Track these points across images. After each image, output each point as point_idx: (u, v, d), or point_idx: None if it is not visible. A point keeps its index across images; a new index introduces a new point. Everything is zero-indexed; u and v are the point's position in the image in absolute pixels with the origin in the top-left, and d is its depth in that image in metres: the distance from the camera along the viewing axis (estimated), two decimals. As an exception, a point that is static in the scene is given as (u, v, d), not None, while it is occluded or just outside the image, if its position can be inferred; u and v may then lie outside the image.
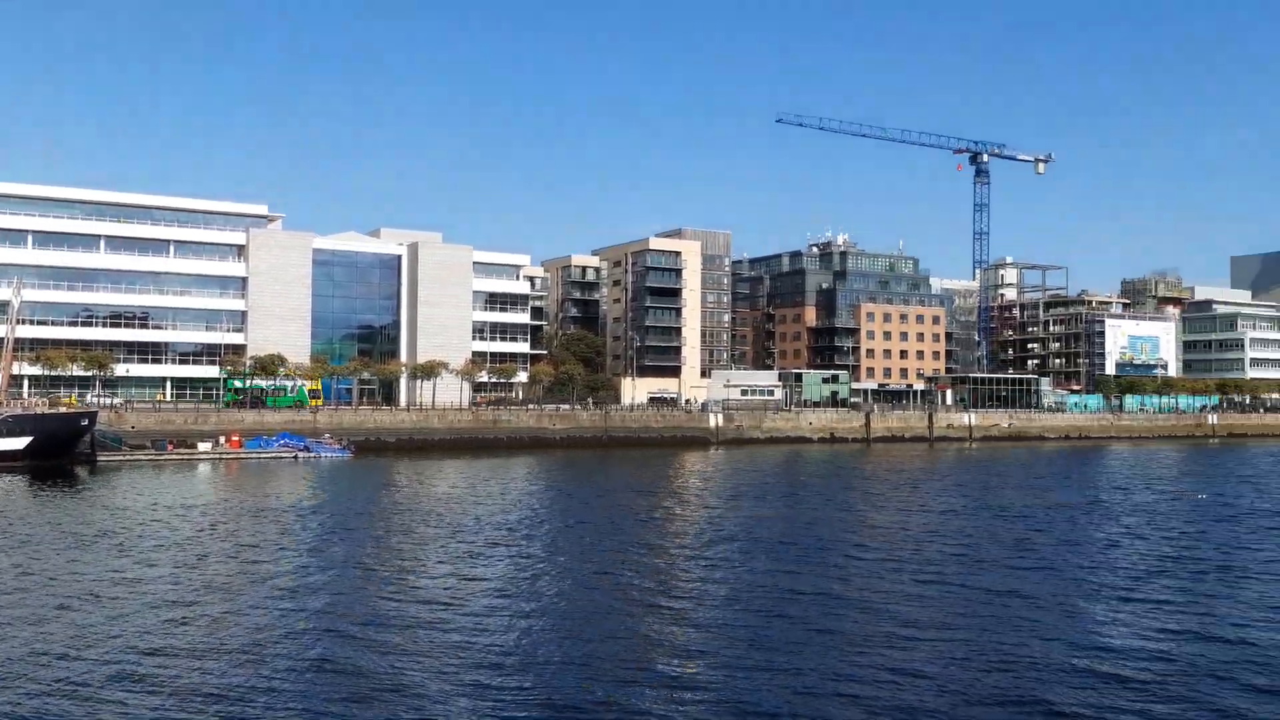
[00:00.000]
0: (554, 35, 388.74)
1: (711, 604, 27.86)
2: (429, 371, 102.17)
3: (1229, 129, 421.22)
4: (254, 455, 79.99)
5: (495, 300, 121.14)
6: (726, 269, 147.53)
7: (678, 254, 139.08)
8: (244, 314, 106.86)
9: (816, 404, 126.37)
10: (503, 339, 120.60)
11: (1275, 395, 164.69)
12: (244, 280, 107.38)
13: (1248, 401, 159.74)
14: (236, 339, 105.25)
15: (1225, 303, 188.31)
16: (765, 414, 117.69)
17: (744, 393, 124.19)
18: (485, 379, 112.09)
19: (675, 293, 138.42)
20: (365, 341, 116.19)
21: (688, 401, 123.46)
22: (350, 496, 54.97)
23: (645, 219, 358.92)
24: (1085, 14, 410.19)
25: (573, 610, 26.75)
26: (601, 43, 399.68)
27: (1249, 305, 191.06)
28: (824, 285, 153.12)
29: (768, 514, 48.46)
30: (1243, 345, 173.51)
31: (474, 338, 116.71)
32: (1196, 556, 36.49)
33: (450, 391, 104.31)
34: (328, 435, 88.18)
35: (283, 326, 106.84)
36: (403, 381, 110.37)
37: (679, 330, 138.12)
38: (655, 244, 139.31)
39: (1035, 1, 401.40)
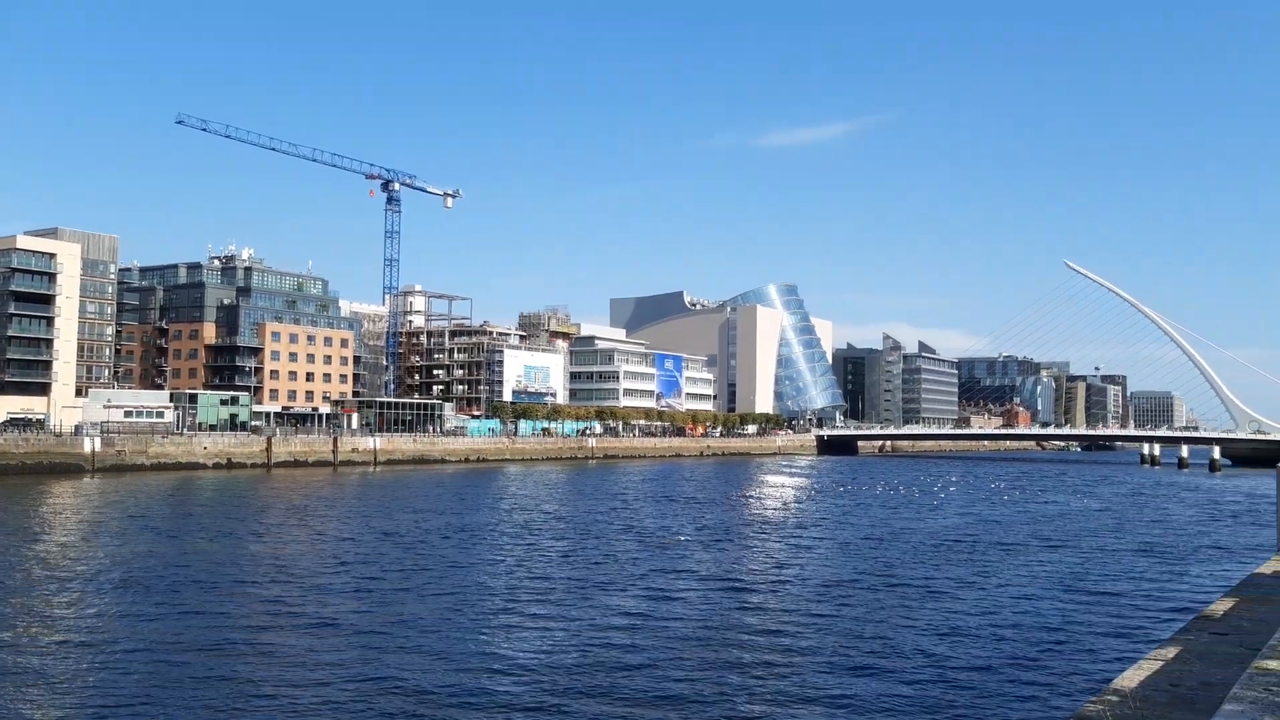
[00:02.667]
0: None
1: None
2: None
3: (624, 183, 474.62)
4: None
5: None
6: (112, 277, 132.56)
7: (51, 256, 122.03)
8: None
9: (213, 427, 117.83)
10: None
11: (642, 421, 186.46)
12: None
13: (620, 426, 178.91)
14: None
15: (605, 338, 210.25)
16: (153, 438, 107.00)
17: (129, 414, 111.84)
18: None
19: (47, 299, 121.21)
20: None
21: (59, 424, 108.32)
22: None
23: (15, 216, 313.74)
24: (500, 61, 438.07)
25: None
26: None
27: (624, 342, 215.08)
28: (226, 301, 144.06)
29: (140, 550, 42.92)
30: (618, 377, 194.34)
31: None
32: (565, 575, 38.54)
33: None
34: None
35: None
36: None
37: (50, 342, 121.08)
38: (23, 243, 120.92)
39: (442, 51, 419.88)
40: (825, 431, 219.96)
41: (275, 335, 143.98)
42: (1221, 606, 14.52)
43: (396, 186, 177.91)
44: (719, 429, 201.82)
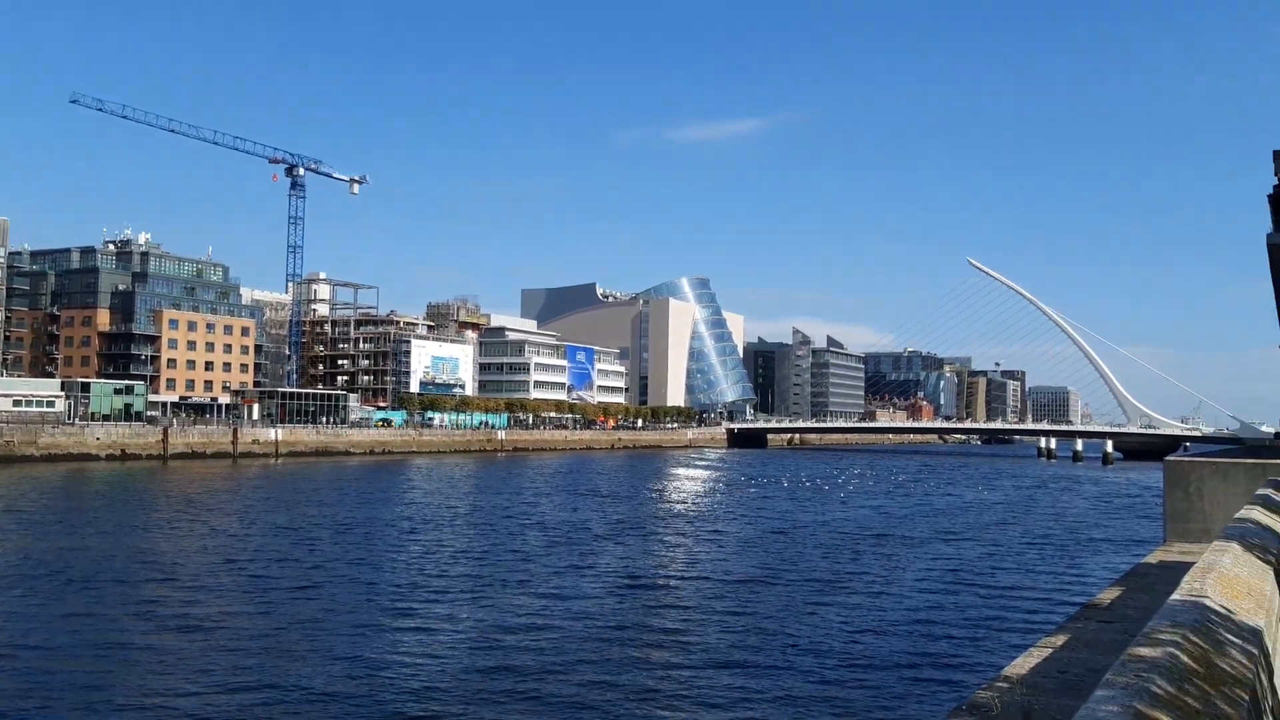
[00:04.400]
0: None
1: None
2: None
3: (536, 176, 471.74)
4: None
5: None
6: (1, 261, 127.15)
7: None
8: None
9: (107, 417, 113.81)
10: None
11: (553, 413, 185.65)
12: None
13: (531, 419, 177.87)
14: None
15: (516, 330, 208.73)
16: (43, 428, 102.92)
17: (17, 404, 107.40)
18: None
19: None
20: None
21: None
22: None
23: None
24: (424, 52, 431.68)
25: None
26: None
27: (535, 334, 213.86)
28: (121, 287, 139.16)
29: (21, 545, 41.03)
30: (529, 369, 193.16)
31: None
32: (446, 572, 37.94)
33: None
34: None
35: None
36: None
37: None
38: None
39: (344, 33, 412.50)
40: (736, 425, 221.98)
41: (173, 323, 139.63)
42: (1109, 595, 14.69)
43: (301, 171, 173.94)
44: (631, 422, 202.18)
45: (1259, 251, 26.78)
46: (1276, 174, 23.80)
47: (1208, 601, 4.52)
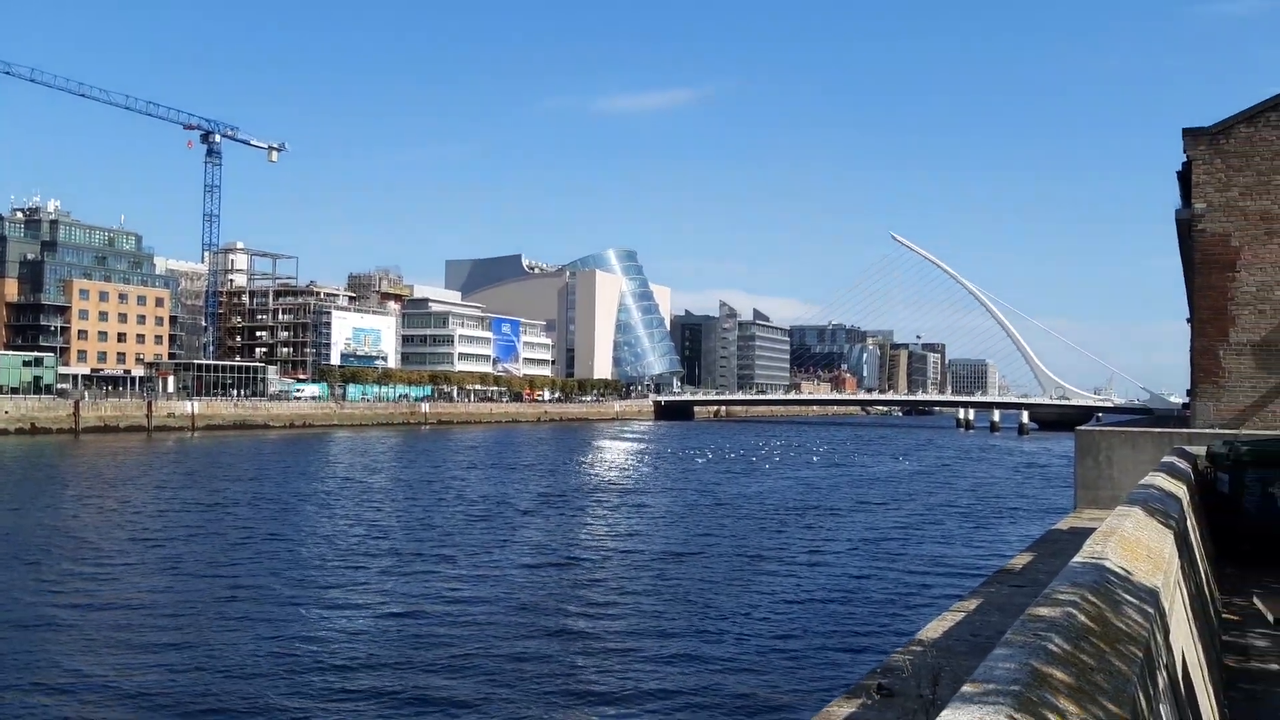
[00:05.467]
0: None
1: None
2: None
3: (443, 142, 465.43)
4: None
5: None
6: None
7: None
8: None
9: (15, 390, 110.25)
10: None
11: (478, 386, 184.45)
12: None
13: (455, 392, 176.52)
14: None
15: (440, 302, 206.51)
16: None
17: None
18: None
19: None
20: None
21: None
22: None
23: None
24: (330, 14, 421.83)
25: None
26: None
27: (459, 305, 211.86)
28: (30, 256, 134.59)
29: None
30: (453, 341, 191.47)
31: None
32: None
33: None
34: None
35: None
36: None
37: None
38: None
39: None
40: (663, 397, 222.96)
41: (84, 293, 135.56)
42: (1021, 560, 15.05)
43: (217, 138, 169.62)
44: (557, 394, 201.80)
45: (1170, 227, 27.59)
46: (1185, 151, 24.47)
47: (1107, 563, 4.60)
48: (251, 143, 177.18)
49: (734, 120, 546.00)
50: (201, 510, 45.28)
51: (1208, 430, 21.65)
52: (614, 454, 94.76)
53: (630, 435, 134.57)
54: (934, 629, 10.36)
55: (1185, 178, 24.90)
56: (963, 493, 59.92)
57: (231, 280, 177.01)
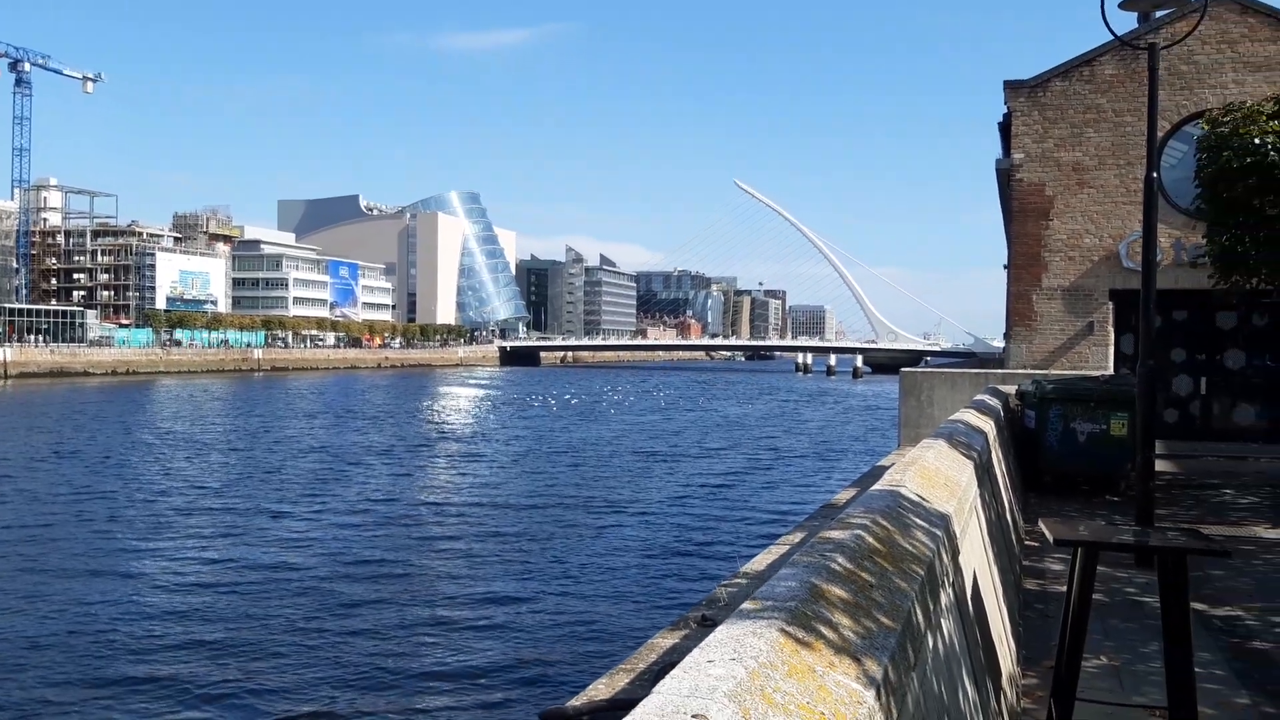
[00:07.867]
0: None
1: None
2: None
3: (273, 74, 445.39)
4: None
5: None
6: None
7: None
8: None
9: None
10: None
11: (314, 331, 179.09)
12: None
13: (290, 337, 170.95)
14: None
15: (272, 244, 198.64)
16: None
17: None
18: None
19: None
20: None
21: None
22: None
23: None
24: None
25: None
26: None
27: (293, 247, 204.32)
28: None
29: None
30: (287, 284, 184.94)
31: None
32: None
33: None
34: None
35: None
36: None
37: None
38: None
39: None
40: (508, 343, 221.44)
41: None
42: (844, 495, 15.54)
43: (27, 67, 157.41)
44: (398, 340, 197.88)
45: (992, 176, 28.78)
46: (1006, 103, 25.50)
47: (904, 490, 4.71)
48: (65, 72, 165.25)
49: (575, 61, 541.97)
50: (7, 464, 42.61)
51: (1020, 371, 22.87)
52: (457, 401, 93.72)
53: (474, 382, 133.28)
54: (758, 562, 10.64)
55: (1006, 129, 25.99)
56: (798, 436, 61.79)
57: (45, 219, 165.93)
